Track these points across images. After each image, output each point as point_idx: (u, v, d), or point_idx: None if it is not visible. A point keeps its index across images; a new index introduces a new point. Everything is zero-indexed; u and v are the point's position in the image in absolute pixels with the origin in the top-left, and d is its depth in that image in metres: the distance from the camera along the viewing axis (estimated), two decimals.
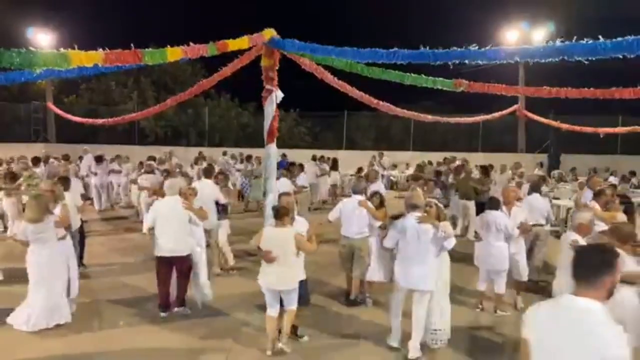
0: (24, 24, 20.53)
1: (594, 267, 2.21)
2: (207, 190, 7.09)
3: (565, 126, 13.98)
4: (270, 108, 6.32)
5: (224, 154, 16.55)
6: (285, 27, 6.24)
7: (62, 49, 3.79)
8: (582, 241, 4.43)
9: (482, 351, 5.09)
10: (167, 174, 9.59)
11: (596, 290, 2.17)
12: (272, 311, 4.80)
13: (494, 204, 6.06)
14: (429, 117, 11.51)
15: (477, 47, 4.51)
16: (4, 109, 21.73)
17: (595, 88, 7.20)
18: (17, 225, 6.73)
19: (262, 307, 5.03)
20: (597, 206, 6.18)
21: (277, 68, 6.37)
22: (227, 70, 7.31)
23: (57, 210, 5.73)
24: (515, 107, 15.65)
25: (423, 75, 6.81)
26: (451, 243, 4.87)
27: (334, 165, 15.37)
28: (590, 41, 3.83)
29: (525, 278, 6.28)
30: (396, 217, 5.16)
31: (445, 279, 5.08)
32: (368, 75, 6.70)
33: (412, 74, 6.77)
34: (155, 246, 5.76)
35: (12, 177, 9.40)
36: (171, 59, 4.84)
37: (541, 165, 18.14)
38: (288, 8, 35.95)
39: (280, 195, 5.39)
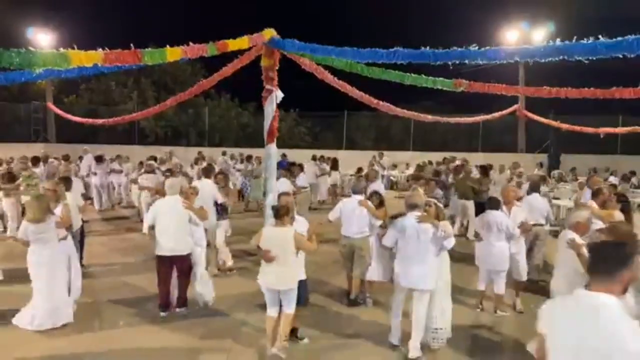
0: (24, 24, 20.54)
1: (613, 261, 2.20)
2: (207, 189, 7.09)
3: (565, 126, 13.98)
4: (270, 108, 6.32)
5: (224, 154, 16.56)
6: (285, 27, 6.25)
7: (62, 49, 3.79)
8: (580, 240, 4.42)
9: (482, 351, 5.09)
10: (171, 173, 9.59)
11: (613, 284, 2.17)
12: (272, 311, 4.79)
13: (494, 204, 6.05)
14: (429, 117, 11.52)
15: (477, 47, 4.51)
16: (4, 109, 21.74)
17: (595, 88, 7.21)
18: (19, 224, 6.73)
19: (262, 307, 5.02)
20: (594, 205, 6.20)
21: (277, 68, 6.38)
22: (227, 70, 7.31)
23: (59, 210, 5.73)
24: (515, 107, 15.65)
25: (423, 75, 6.82)
26: (451, 243, 4.87)
27: (335, 164, 15.38)
28: (591, 41, 3.84)
29: (524, 278, 6.28)
30: (396, 217, 5.17)
31: (446, 279, 5.09)
32: (368, 75, 6.71)
33: (412, 74, 6.79)
34: (155, 245, 5.77)
35: (11, 177, 9.41)
36: (171, 59, 4.85)
37: (541, 165, 18.14)
38: (288, 8, 36.01)
39: (279, 195, 5.39)
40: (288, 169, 10.97)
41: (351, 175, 15.27)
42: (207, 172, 7.78)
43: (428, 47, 4.73)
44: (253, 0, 39.25)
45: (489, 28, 21.95)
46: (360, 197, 6.27)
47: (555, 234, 8.92)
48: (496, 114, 14.34)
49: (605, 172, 15.57)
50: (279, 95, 6.33)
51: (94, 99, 24.24)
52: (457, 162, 13.65)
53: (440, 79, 6.75)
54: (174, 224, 5.70)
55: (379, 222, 6.12)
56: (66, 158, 13.67)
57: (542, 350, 2.31)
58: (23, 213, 7.33)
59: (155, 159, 12.18)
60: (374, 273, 6.16)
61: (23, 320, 5.36)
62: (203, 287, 6.01)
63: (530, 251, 7.01)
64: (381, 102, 8.67)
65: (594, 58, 3.95)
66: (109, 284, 6.94)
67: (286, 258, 4.59)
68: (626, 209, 6.22)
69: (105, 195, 13.24)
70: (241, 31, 5.71)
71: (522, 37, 19.94)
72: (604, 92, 7.12)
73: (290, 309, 4.73)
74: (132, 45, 4.33)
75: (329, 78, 7.55)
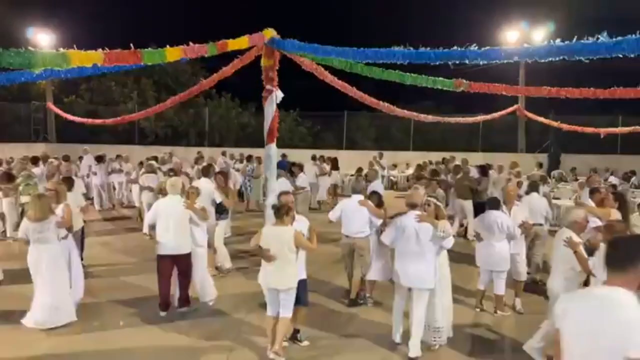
0: (24, 24, 20.51)
1: (631, 255, 2.22)
2: (206, 188, 7.09)
3: (565, 126, 13.96)
4: (270, 108, 6.32)
5: (223, 154, 16.56)
6: (285, 27, 6.24)
7: (62, 49, 3.79)
8: (577, 238, 4.43)
9: (482, 351, 5.09)
10: (174, 173, 9.58)
11: (629, 279, 2.19)
12: (273, 311, 4.79)
13: (495, 204, 6.05)
14: (429, 117, 11.50)
15: (477, 47, 4.50)
16: (4, 109, 21.71)
17: (595, 88, 7.20)
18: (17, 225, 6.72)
19: (262, 307, 5.03)
20: (592, 203, 6.24)
21: (277, 68, 6.37)
22: (227, 71, 7.31)
23: (60, 210, 5.73)
24: (515, 107, 15.62)
25: (423, 75, 6.81)
26: (450, 242, 4.89)
27: (335, 164, 15.39)
28: (591, 41, 3.83)
29: (524, 277, 6.29)
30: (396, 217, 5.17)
31: (446, 278, 5.10)
32: (368, 75, 6.70)
33: (412, 74, 6.77)
34: (156, 245, 5.77)
35: (9, 177, 9.38)
36: (170, 59, 4.83)
37: (540, 165, 18.12)
38: (288, 8, 35.96)
39: (280, 194, 5.39)
40: (289, 169, 10.97)
41: (351, 175, 15.28)
42: (206, 172, 7.78)
43: (428, 47, 4.72)
44: (253, 0, 39.26)
45: (489, 28, 21.93)
46: (361, 197, 6.29)
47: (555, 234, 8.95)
48: (496, 114, 14.31)
49: (606, 172, 15.56)
50: (279, 95, 6.33)
51: (94, 99, 24.21)
52: (457, 162, 13.65)
53: (440, 79, 6.74)
54: (174, 223, 5.71)
55: (380, 221, 6.13)
56: (66, 158, 13.66)
57: (558, 344, 2.32)
58: (22, 214, 7.33)
59: (155, 159, 12.17)
60: (373, 272, 6.16)
61: (26, 320, 5.36)
62: (204, 287, 6.01)
63: (530, 251, 7.00)
64: (381, 102, 8.66)
65: (594, 58, 3.95)
66: (109, 284, 6.94)
67: (286, 257, 4.60)
68: (621, 200, 6.27)
69: (106, 195, 13.24)
70: (241, 31, 5.70)
71: (522, 37, 19.92)
72: (604, 92, 7.11)
73: (287, 312, 4.70)
74: (132, 45, 4.33)
75: (329, 78, 7.54)
